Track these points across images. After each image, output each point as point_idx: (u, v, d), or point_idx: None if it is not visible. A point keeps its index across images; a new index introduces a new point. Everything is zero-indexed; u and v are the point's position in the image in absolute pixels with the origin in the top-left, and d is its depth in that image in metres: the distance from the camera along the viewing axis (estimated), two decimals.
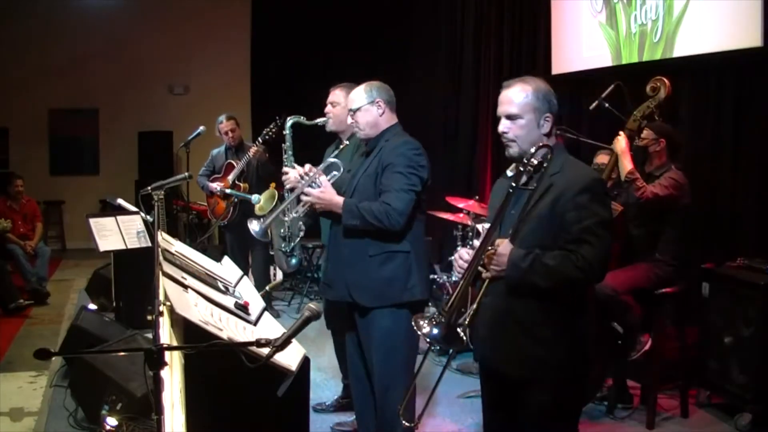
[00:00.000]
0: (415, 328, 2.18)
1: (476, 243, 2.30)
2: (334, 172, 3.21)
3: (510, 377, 2.33)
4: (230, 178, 5.54)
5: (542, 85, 2.36)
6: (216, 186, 5.56)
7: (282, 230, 3.61)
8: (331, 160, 3.28)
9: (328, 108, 3.63)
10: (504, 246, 2.22)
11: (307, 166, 3.28)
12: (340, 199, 3.01)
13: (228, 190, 5.54)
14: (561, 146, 2.37)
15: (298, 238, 3.58)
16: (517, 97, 2.32)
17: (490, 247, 2.23)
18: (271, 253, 6.27)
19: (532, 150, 2.24)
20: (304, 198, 3.12)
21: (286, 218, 3.42)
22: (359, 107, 3.07)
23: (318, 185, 3.08)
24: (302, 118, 3.83)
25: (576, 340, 2.29)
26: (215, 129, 5.77)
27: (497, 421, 2.47)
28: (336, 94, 3.62)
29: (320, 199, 3.04)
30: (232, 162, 5.61)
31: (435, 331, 2.14)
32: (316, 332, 5.00)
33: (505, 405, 2.40)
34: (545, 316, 2.24)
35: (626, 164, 3.79)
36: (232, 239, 5.80)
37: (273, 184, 5.33)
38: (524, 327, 2.26)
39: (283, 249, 3.61)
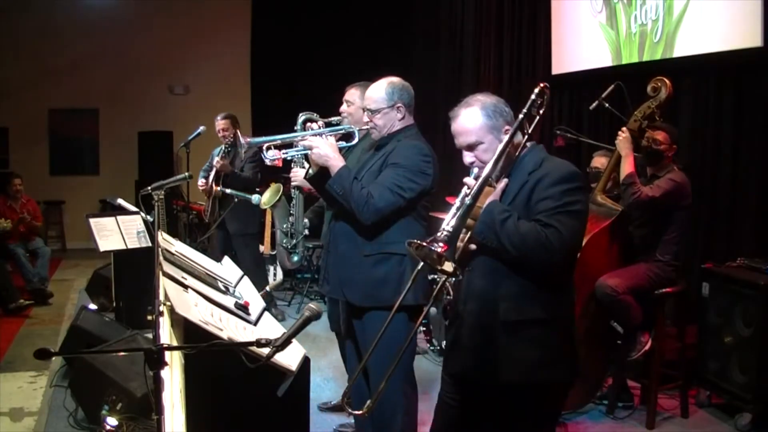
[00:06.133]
0: (417, 249, 2.08)
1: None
2: (342, 143, 3.09)
3: (495, 384, 2.21)
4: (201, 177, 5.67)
5: (487, 99, 2.28)
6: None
7: (285, 226, 3.59)
8: (348, 127, 3.15)
9: (344, 107, 3.46)
10: (490, 194, 2.18)
11: (321, 122, 3.14)
12: (340, 161, 2.86)
13: (228, 190, 5.55)
14: (540, 146, 2.32)
15: (302, 236, 3.57)
16: (468, 123, 2.25)
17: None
18: (265, 253, 6.29)
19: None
20: (303, 143, 2.94)
21: (293, 211, 3.42)
22: (378, 110, 2.94)
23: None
24: (315, 114, 3.62)
25: (565, 337, 2.24)
26: (215, 129, 5.77)
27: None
28: (351, 93, 3.43)
29: (321, 148, 2.86)
30: (219, 161, 5.58)
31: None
32: (317, 332, 5.02)
33: (480, 417, 2.32)
34: (530, 307, 2.16)
35: (626, 167, 3.79)
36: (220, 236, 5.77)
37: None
38: (509, 325, 2.17)
39: (285, 245, 3.59)
